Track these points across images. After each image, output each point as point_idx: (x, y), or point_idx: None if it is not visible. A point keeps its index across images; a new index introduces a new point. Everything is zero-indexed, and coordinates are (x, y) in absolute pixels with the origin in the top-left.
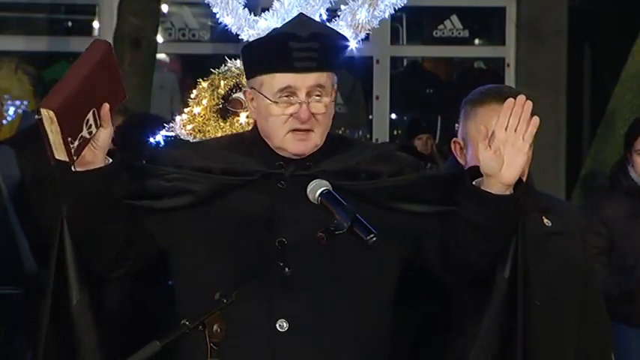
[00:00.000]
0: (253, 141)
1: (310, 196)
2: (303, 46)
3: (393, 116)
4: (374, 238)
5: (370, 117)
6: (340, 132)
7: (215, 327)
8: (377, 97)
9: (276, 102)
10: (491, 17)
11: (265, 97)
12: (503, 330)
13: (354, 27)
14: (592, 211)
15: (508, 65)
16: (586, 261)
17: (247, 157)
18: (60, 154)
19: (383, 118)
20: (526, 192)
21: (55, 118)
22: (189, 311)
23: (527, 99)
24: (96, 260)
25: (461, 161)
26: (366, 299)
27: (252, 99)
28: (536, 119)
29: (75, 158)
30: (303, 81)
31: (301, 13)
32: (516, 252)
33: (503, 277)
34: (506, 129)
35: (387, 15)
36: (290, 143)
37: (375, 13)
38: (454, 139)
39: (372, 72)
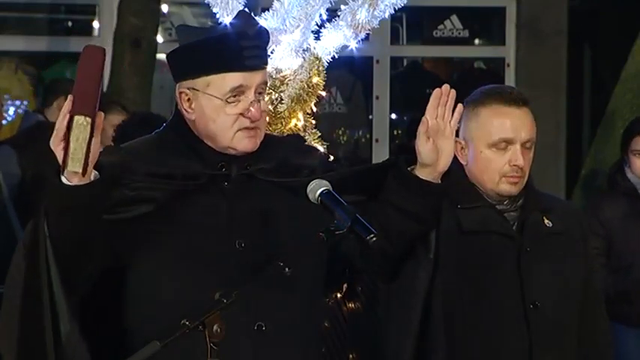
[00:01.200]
0: (191, 142)
1: (310, 196)
2: (251, 44)
3: (393, 116)
4: (374, 238)
5: (370, 117)
6: (340, 132)
7: (215, 327)
8: (377, 97)
9: (227, 101)
10: (491, 17)
11: (215, 97)
12: (426, 305)
13: (354, 27)
14: (591, 211)
15: (508, 65)
16: (587, 261)
17: (190, 160)
18: (74, 166)
19: (383, 118)
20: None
21: (90, 125)
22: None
23: (525, 99)
24: (81, 272)
25: (462, 161)
26: (319, 293)
27: (189, 100)
28: (460, 107)
29: (87, 169)
30: (253, 79)
31: (241, 11)
32: (438, 236)
33: (429, 258)
34: (436, 118)
35: (387, 15)
36: (240, 142)
37: (375, 13)
38: (455, 138)
39: (372, 72)
